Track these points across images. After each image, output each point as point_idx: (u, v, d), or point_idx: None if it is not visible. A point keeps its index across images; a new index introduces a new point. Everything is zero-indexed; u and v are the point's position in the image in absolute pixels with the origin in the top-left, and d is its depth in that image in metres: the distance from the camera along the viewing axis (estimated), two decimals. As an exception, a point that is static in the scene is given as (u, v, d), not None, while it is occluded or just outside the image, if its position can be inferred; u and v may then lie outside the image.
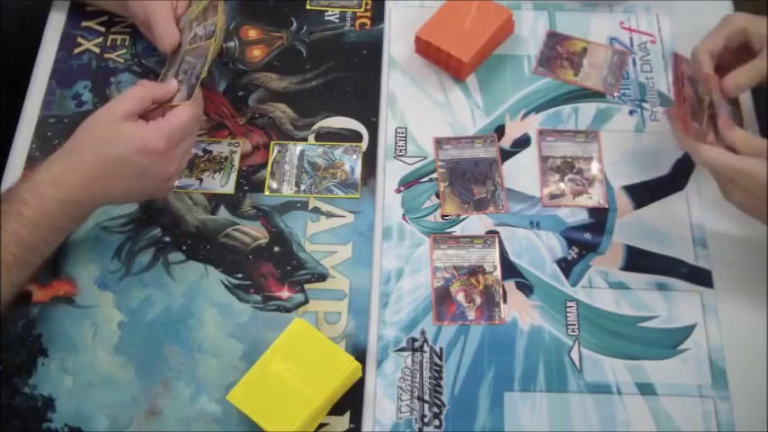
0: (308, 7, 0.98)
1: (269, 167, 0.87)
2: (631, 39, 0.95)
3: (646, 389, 0.75)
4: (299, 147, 0.88)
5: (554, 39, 0.95)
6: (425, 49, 0.92)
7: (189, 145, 0.78)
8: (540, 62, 0.93)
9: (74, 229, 0.78)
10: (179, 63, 0.81)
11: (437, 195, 0.85)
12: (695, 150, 0.74)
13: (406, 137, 0.89)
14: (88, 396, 0.75)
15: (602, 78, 0.92)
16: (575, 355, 0.77)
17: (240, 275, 0.81)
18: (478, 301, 0.79)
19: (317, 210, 0.85)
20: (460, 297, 0.80)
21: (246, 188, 0.86)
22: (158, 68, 0.93)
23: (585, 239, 0.83)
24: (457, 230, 0.83)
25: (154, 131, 0.73)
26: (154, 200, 0.84)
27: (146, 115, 0.76)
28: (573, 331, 0.78)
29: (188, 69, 0.80)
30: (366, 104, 0.91)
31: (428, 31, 0.91)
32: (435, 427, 0.74)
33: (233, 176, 0.86)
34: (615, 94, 0.91)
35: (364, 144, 0.88)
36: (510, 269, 0.81)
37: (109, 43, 0.95)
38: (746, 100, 0.89)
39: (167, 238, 0.83)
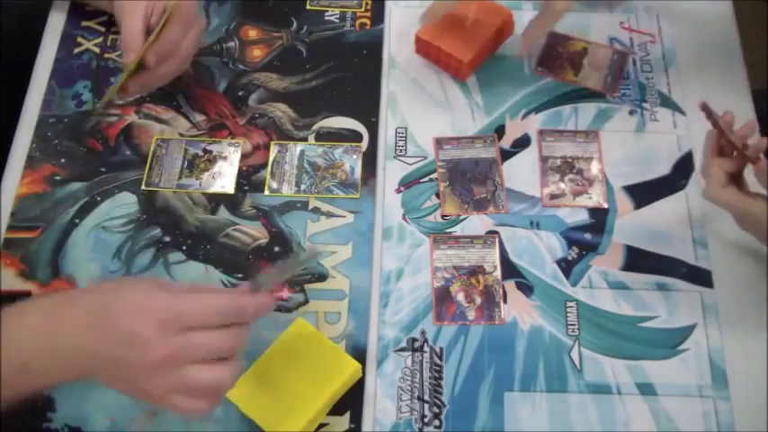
0: (308, 7, 0.98)
1: (269, 167, 0.87)
2: (631, 39, 0.95)
3: (646, 389, 0.75)
4: (299, 147, 0.88)
5: (554, 39, 0.95)
6: (425, 49, 0.92)
7: (202, 342, 0.60)
8: (540, 62, 0.93)
9: (43, 388, 0.68)
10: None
11: (437, 195, 0.85)
12: (708, 184, 0.74)
13: (406, 137, 0.89)
14: (88, 396, 0.75)
15: (602, 78, 0.92)
16: (575, 355, 0.77)
17: (240, 275, 0.81)
18: (478, 301, 0.79)
19: (317, 210, 0.85)
20: (460, 297, 0.80)
21: (246, 188, 0.86)
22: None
23: (585, 239, 0.83)
24: (457, 230, 0.83)
25: (162, 299, 0.60)
26: (142, 399, 0.64)
27: None
28: (573, 331, 0.78)
29: None
30: (366, 104, 0.91)
31: (428, 31, 0.90)
32: (435, 427, 0.74)
33: (233, 176, 0.86)
34: (615, 95, 0.91)
35: (364, 144, 0.88)
36: (510, 269, 0.81)
37: (109, 43, 0.95)
38: (746, 100, 0.89)
39: (167, 238, 0.83)
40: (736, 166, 0.73)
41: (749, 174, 0.73)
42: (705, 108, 0.73)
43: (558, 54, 0.94)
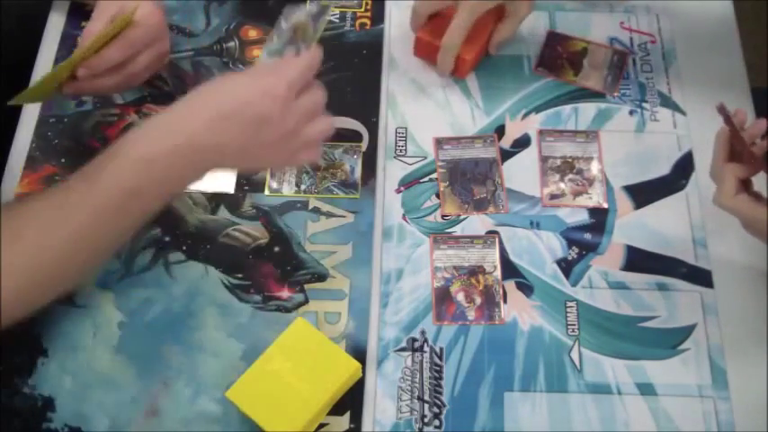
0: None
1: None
2: (631, 39, 0.95)
3: (646, 389, 0.75)
4: (299, 147, 0.88)
5: (554, 39, 0.95)
6: (426, 49, 0.91)
7: (311, 105, 0.70)
8: (540, 62, 0.93)
9: (184, 188, 0.71)
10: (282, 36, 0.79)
11: (437, 195, 0.85)
12: (720, 191, 0.73)
13: (406, 137, 0.89)
14: (88, 396, 0.75)
15: (602, 78, 0.92)
16: (575, 355, 0.77)
17: (240, 275, 0.81)
18: (478, 301, 0.79)
19: (317, 210, 0.85)
20: (460, 297, 0.80)
21: (246, 188, 0.86)
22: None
23: (585, 239, 0.83)
24: (457, 230, 0.83)
25: (272, 78, 0.68)
26: (263, 165, 0.78)
27: None
28: (573, 331, 0.78)
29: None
30: (366, 104, 0.91)
31: (428, 31, 0.90)
32: (435, 427, 0.74)
33: (233, 176, 0.86)
34: (615, 95, 0.91)
35: (364, 144, 0.88)
36: (510, 269, 0.81)
37: (109, 43, 0.95)
38: (746, 100, 0.89)
39: (167, 238, 0.83)
40: (748, 173, 0.72)
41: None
42: (722, 110, 0.72)
43: (557, 54, 0.94)
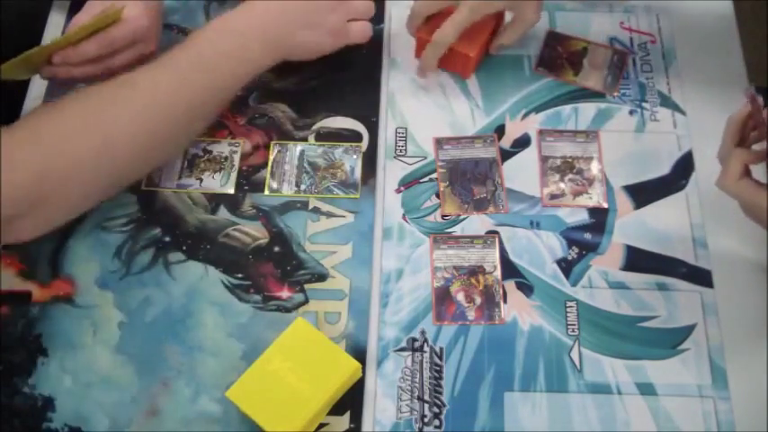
0: None
1: (269, 167, 0.87)
2: (631, 39, 0.95)
3: (646, 389, 0.75)
4: (299, 147, 0.88)
5: (554, 39, 0.95)
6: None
7: (354, 10, 0.88)
8: (540, 62, 0.93)
9: (266, 64, 0.85)
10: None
11: (437, 195, 0.85)
12: (724, 174, 0.73)
13: (406, 137, 0.89)
14: (88, 396, 0.75)
15: (602, 78, 0.92)
16: (575, 355, 0.77)
17: (240, 275, 0.81)
18: (478, 301, 0.79)
19: (317, 210, 0.85)
20: (460, 297, 0.80)
21: (246, 188, 0.86)
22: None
23: (585, 239, 0.83)
24: (457, 230, 0.83)
25: None
26: (318, 45, 0.88)
27: None
28: (573, 331, 0.78)
29: None
30: (366, 104, 0.91)
31: (429, 31, 0.90)
32: (435, 427, 0.74)
33: (233, 176, 0.86)
34: (615, 95, 0.91)
35: (364, 144, 0.88)
36: (510, 269, 0.81)
37: (109, 43, 0.95)
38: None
39: (167, 238, 0.83)
40: (756, 159, 0.72)
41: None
42: (752, 97, 0.72)
43: (557, 54, 0.94)
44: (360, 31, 0.90)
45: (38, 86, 0.92)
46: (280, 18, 0.84)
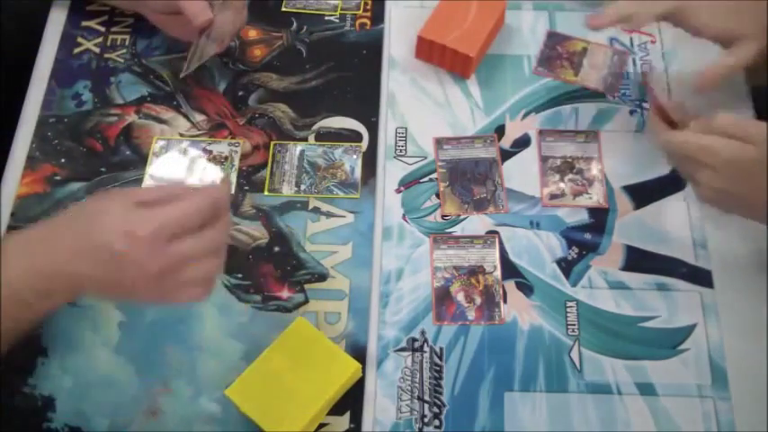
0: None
1: (269, 167, 0.87)
2: (631, 39, 0.95)
3: (646, 389, 0.75)
4: (299, 147, 0.88)
5: (554, 39, 0.95)
6: (428, 49, 0.91)
7: (196, 250, 0.63)
8: (539, 62, 0.93)
9: (48, 310, 0.67)
10: (200, 46, 0.83)
11: (437, 195, 0.85)
12: (658, 133, 0.75)
13: (406, 137, 0.89)
14: (88, 396, 0.75)
15: (601, 78, 0.92)
16: (575, 355, 0.77)
17: (240, 275, 0.81)
18: (478, 301, 0.79)
19: (317, 210, 0.85)
20: (460, 297, 0.80)
21: (246, 188, 0.86)
22: (158, 68, 0.93)
23: (585, 239, 0.83)
24: (457, 230, 0.83)
25: (143, 216, 0.61)
26: (136, 300, 0.73)
27: None
28: (573, 331, 0.78)
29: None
30: (366, 104, 0.91)
31: (430, 30, 0.90)
32: (435, 427, 0.74)
33: (233, 176, 0.86)
34: (615, 95, 0.91)
35: (364, 144, 0.88)
36: (510, 269, 0.81)
37: (109, 43, 0.95)
38: (746, 98, 0.89)
39: (167, 238, 0.83)
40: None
41: None
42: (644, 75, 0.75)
43: (557, 54, 0.94)
44: (208, 272, 0.65)
45: (38, 87, 0.92)
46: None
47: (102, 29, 0.96)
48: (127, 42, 0.95)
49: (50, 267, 0.62)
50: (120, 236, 0.60)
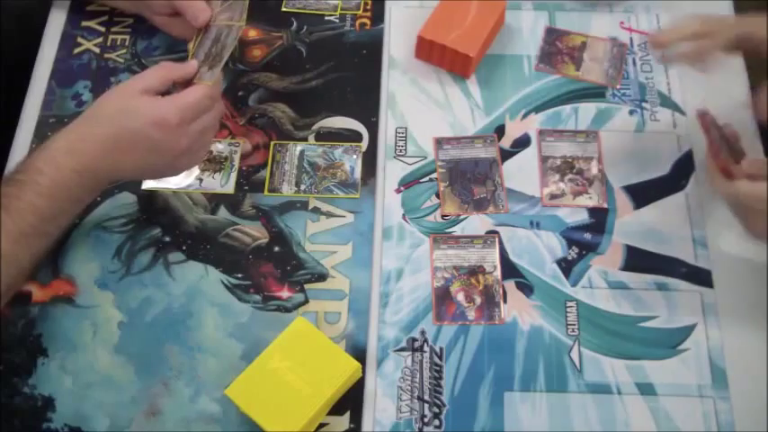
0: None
1: (269, 167, 0.87)
2: (631, 39, 0.95)
3: (646, 389, 0.75)
4: (299, 147, 0.88)
5: (553, 34, 0.95)
6: (428, 49, 0.91)
7: (206, 125, 0.76)
8: (540, 59, 0.93)
9: (89, 201, 0.75)
10: (208, 43, 0.81)
11: (437, 195, 0.85)
12: (713, 181, 0.75)
13: (406, 137, 0.89)
14: (88, 396, 0.75)
15: (603, 71, 0.92)
16: (575, 355, 0.77)
17: (240, 275, 0.81)
18: (478, 301, 0.79)
19: (317, 210, 0.84)
20: (460, 297, 0.80)
21: (246, 188, 0.86)
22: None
23: (585, 239, 0.83)
24: (457, 230, 0.83)
25: (169, 106, 0.73)
26: (164, 177, 0.82)
27: (165, 94, 0.76)
28: (573, 331, 0.78)
29: (213, 52, 0.80)
30: (366, 104, 0.91)
31: (430, 30, 0.90)
32: (435, 427, 0.74)
33: (233, 176, 0.86)
34: (617, 86, 0.91)
35: (364, 144, 0.88)
36: (510, 269, 0.81)
37: (109, 43, 0.95)
38: (746, 98, 0.89)
39: (167, 238, 0.83)
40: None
41: None
42: (703, 117, 0.74)
43: (557, 50, 0.94)
44: (211, 140, 0.78)
45: (38, 87, 0.92)
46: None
47: (102, 29, 0.96)
48: (127, 42, 0.95)
49: (95, 164, 0.71)
50: (155, 126, 0.72)
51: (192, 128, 0.74)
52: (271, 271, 0.81)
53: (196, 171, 0.87)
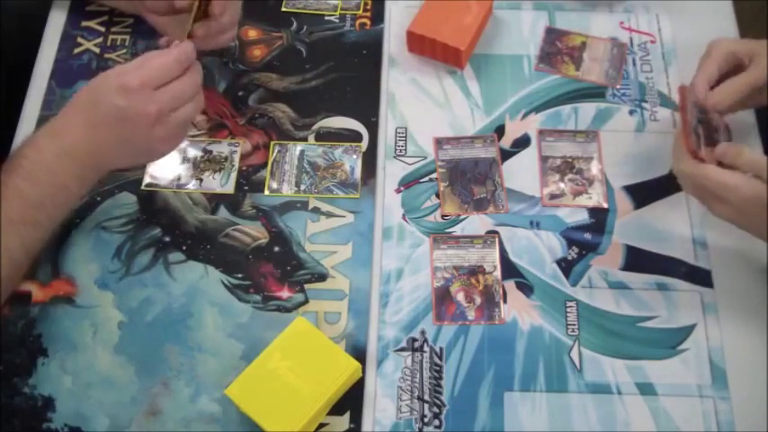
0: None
1: (269, 167, 0.87)
2: (631, 39, 0.95)
3: (646, 389, 0.75)
4: (299, 147, 0.88)
5: (553, 34, 0.95)
6: (419, 43, 0.92)
7: (176, 92, 0.73)
8: (540, 59, 0.93)
9: (79, 192, 0.74)
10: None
11: (437, 195, 0.85)
12: (679, 160, 0.75)
13: (406, 137, 0.89)
14: (88, 396, 0.75)
15: (603, 71, 0.92)
16: (575, 355, 0.77)
17: (240, 275, 0.81)
18: (478, 301, 0.79)
19: (317, 210, 0.85)
20: (460, 297, 0.80)
21: (246, 188, 0.86)
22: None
23: (585, 239, 0.83)
24: (457, 230, 0.83)
25: (129, 70, 0.72)
26: (149, 157, 0.80)
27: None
28: (573, 331, 0.78)
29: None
30: (366, 104, 0.91)
31: (420, 25, 0.91)
32: (435, 427, 0.74)
33: (233, 176, 0.86)
34: (618, 86, 0.91)
35: (364, 144, 0.88)
36: (510, 269, 0.81)
37: (109, 43, 0.95)
38: (750, 117, 0.88)
39: (167, 238, 0.83)
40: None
41: None
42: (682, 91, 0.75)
43: (557, 50, 0.94)
44: (189, 115, 0.76)
45: (38, 87, 0.92)
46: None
47: (102, 29, 0.96)
48: (127, 42, 0.95)
49: (76, 146, 0.71)
50: (119, 92, 0.71)
51: (160, 94, 0.72)
52: (271, 271, 0.81)
53: (201, 174, 0.87)
